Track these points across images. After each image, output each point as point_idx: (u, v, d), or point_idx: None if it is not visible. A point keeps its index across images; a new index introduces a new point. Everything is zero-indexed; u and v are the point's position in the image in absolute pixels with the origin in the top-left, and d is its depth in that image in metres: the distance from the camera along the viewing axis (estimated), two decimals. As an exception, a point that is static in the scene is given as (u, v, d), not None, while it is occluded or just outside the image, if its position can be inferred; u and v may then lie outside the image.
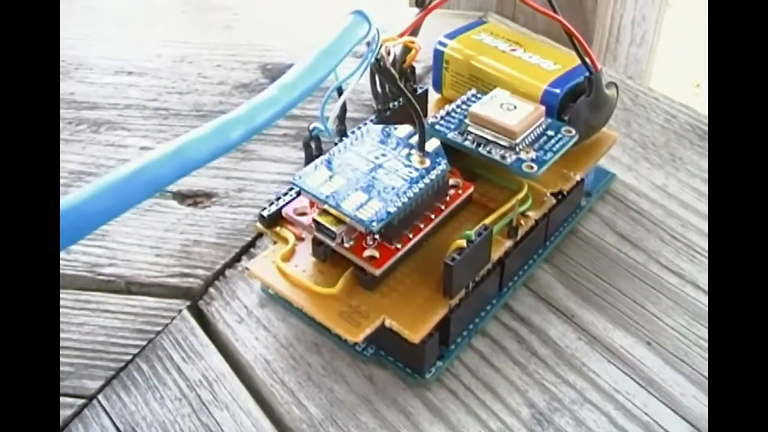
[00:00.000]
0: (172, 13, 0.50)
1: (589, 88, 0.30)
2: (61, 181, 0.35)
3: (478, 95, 0.31)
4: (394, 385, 0.27)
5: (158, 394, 0.27)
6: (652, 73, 0.58)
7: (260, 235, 0.32)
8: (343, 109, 0.29)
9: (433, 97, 0.35)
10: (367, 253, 0.25)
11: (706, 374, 0.27)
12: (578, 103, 0.30)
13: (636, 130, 0.38)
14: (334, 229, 0.25)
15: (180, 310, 0.29)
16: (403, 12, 0.50)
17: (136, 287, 0.31)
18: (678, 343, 0.28)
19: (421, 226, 0.26)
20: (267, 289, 0.30)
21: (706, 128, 0.38)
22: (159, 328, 0.29)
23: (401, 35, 0.29)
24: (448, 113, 0.30)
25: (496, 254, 0.27)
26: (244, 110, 0.22)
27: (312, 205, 0.26)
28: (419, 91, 0.33)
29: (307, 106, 0.39)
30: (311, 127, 0.28)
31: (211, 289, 0.30)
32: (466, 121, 0.29)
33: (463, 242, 0.25)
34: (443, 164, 0.27)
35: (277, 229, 0.28)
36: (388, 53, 0.27)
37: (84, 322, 0.29)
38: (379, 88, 0.31)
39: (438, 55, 0.34)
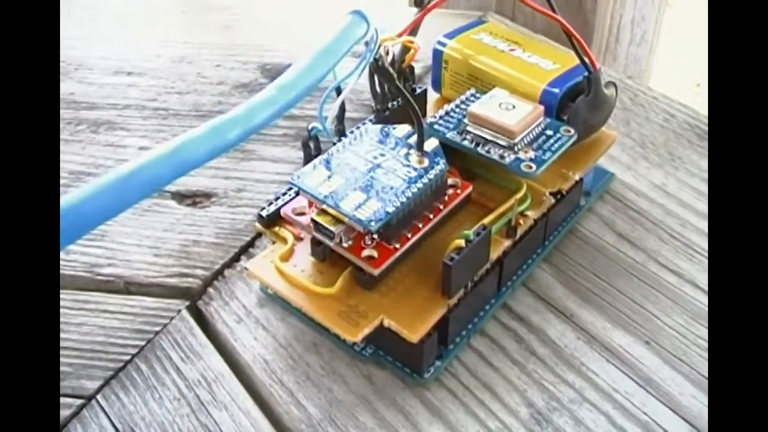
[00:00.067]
0: (171, 13, 0.50)
1: (588, 87, 0.30)
2: (61, 181, 0.35)
3: (477, 95, 0.31)
4: (393, 384, 0.27)
5: (157, 394, 0.27)
6: (651, 72, 0.58)
7: (259, 235, 0.32)
8: (342, 108, 0.29)
9: (432, 96, 0.35)
10: (365, 252, 0.25)
11: (705, 373, 0.27)
12: (577, 103, 0.30)
13: (635, 129, 0.38)
14: (332, 228, 0.25)
15: (179, 310, 0.29)
16: (402, 11, 0.50)
17: (135, 287, 0.31)
18: (677, 343, 0.28)
19: (420, 225, 0.26)
20: (266, 288, 0.30)
21: (705, 128, 0.38)
22: (158, 328, 0.29)
23: (400, 35, 0.29)
24: (447, 113, 0.30)
25: (494, 254, 0.27)
26: (242, 110, 0.22)
27: (311, 204, 0.26)
28: (418, 90, 0.33)
29: (306, 105, 0.39)
30: (310, 127, 0.28)
31: (210, 289, 0.30)
32: (465, 120, 0.29)
33: (461, 242, 0.25)
34: (442, 164, 0.27)
35: (276, 229, 0.28)
36: (387, 53, 0.27)
37: (83, 322, 0.29)
38: (377, 88, 0.31)
39: (437, 55, 0.34)
